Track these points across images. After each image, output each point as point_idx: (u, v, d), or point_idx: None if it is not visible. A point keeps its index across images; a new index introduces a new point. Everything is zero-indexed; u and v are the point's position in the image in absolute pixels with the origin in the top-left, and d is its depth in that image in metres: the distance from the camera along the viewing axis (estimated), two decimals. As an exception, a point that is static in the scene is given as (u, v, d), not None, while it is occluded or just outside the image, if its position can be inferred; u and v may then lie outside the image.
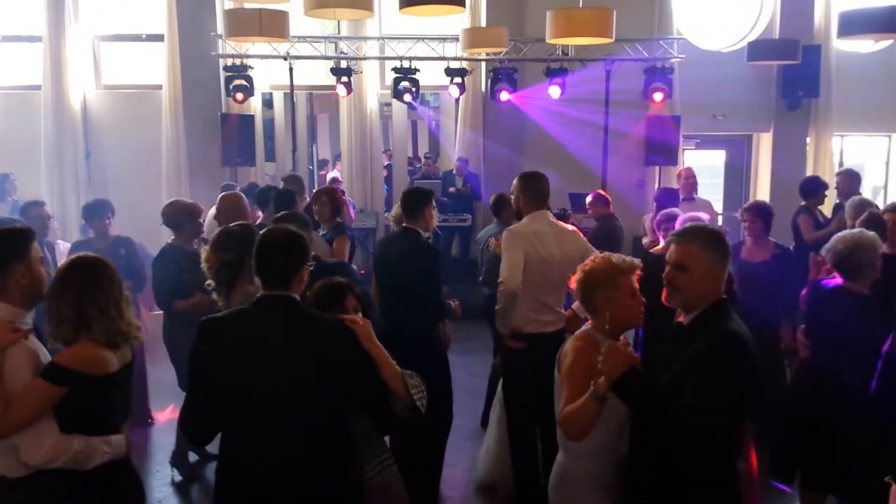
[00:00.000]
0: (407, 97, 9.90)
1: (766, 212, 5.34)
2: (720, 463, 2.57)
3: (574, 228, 4.58)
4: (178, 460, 5.20)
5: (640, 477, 2.66)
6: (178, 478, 5.15)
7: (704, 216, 5.19)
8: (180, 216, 5.17)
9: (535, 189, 4.40)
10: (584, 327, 2.96)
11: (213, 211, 6.16)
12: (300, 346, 2.59)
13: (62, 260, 6.82)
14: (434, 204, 4.78)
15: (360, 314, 2.93)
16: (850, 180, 7.36)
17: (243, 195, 5.46)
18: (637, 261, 2.95)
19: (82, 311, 2.67)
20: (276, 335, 2.60)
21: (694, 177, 8.09)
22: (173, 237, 5.23)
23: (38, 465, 2.56)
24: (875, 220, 4.75)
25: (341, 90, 9.97)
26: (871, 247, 3.81)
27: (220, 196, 5.31)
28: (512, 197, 4.58)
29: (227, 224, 4.89)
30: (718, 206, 8.46)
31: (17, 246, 2.72)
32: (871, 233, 3.96)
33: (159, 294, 5.04)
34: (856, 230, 3.99)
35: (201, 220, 5.35)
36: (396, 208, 5.26)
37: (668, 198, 7.45)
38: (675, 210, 5.52)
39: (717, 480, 2.56)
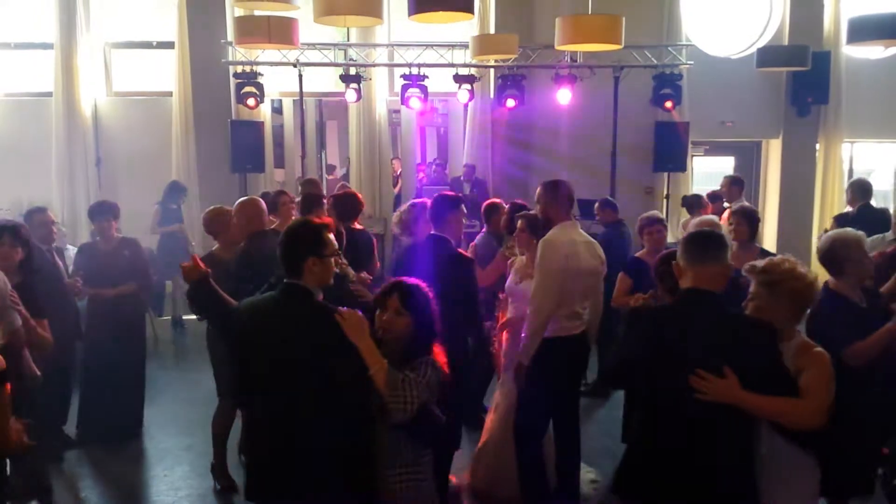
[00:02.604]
0: (415, 102, 9.89)
1: (753, 216, 5.28)
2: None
3: (593, 239, 4.59)
4: (216, 471, 5.10)
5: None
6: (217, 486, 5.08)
7: (715, 218, 5.23)
8: (215, 224, 5.13)
9: (562, 196, 4.38)
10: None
11: None
12: (291, 331, 2.85)
13: (72, 265, 6.87)
14: (464, 210, 4.64)
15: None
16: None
17: (261, 200, 5.39)
18: None
19: None
20: (274, 319, 2.90)
21: (730, 184, 8.08)
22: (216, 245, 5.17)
23: None
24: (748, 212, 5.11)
25: (350, 96, 9.99)
26: (855, 243, 3.86)
27: (236, 203, 5.24)
28: (537, 206, 4.48)
29: (244, 230, 4.86)
30: (725, 213, 8.47)
31: None
32: (853, 230, 4.04)
33: None
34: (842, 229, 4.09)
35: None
36: (398, 214, 5.29)
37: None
38: (655, 213, 5.62)
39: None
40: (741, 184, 8.12)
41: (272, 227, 5.35)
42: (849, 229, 4.09)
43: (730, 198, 7.95)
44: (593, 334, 4.63)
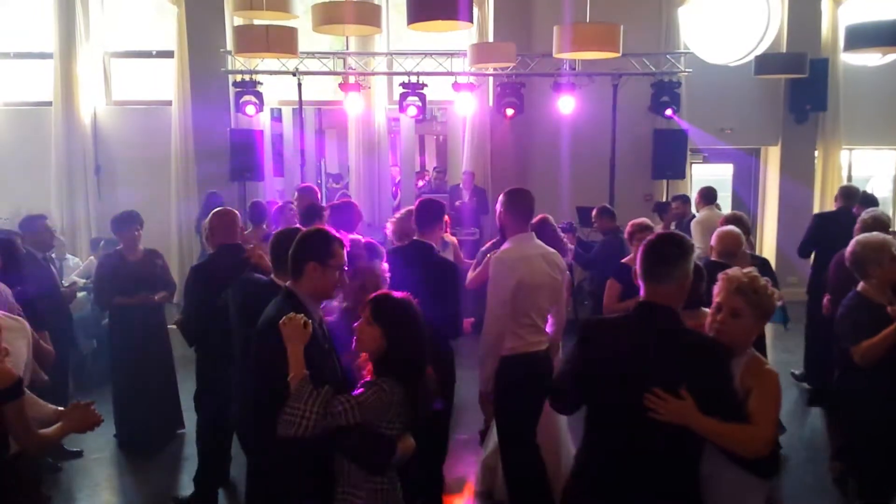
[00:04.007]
0: (412, 111, 9.91)
1: (745, 222, 5.29)
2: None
3: (554, 250, 4.40)
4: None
5: None
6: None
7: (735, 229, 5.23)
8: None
9: (520, 207, 4.20)
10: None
11: None
12: (257, 330, 2.92)
13: (70, 275, 6.87)
14: (446, 218, 4.70)
15: None
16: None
17: (235, 213, 5.28)
18: None
19: None
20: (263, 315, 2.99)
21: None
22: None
23: None
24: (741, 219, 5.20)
25: (350, 105, 10.01)
26: (878, 246, 3.89)
27: (211, 213, 5.12)
28: (497, 213, 4.36)
29: (218, 243, 4.77)
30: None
31: None
32: (881, 234, 4.08)
33: None
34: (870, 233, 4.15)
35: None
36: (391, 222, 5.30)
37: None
38: (644, 220, 5.61)
39: None
40: (685, 199, 8.96)
41: None
42: (876, 233, 4.10)
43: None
44: (557, 345, 4.58)
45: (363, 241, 4.25)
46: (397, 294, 2.93)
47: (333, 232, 3.10)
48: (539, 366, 4.20)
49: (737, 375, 2.67)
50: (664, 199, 10.57)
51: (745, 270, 2.82)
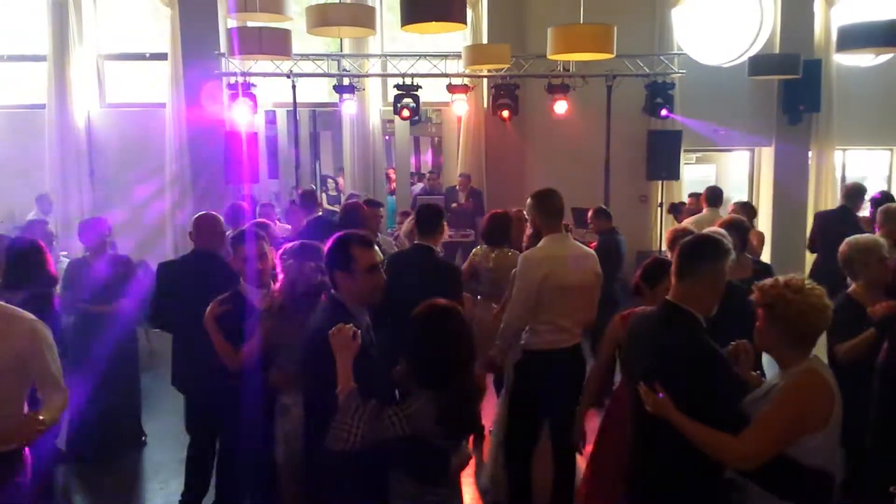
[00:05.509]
0: (406, 112, 9.91)
1: (741, 227, 5.24)
2: None
3: (591, 251, 4.48)
4: None
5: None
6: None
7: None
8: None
9: (550, 207, 4.28)
10: None
11: None
12: (308, 337, 2.93)
13: (61, 282, 6.79)
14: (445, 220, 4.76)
15: None
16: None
17: (220, 217, 5.05)
18: None
19: None
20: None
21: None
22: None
23: None
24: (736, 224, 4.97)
25: (348, 107, 10.00)
26: (866, 248, 3.98)
27: (194, 217, 4.94)
28: (527, 216, 4.48)
29: (201, 244, 4.70)
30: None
31: None
32: (872, 235, 4.19)
33: None
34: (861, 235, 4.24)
35: None
36: (408, 223, 5.27)
37: None
38: (687, 226, 5.54)
39: None
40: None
41: None
42: (867, 235, 4.17)
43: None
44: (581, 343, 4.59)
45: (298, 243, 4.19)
46: (439, 302, 2.83)
47: (352, 234, 3.04)
48: (561, 362, 4.26)
49: (779, 385, 2.62)
50: (660, 200, 10.61)
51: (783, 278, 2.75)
